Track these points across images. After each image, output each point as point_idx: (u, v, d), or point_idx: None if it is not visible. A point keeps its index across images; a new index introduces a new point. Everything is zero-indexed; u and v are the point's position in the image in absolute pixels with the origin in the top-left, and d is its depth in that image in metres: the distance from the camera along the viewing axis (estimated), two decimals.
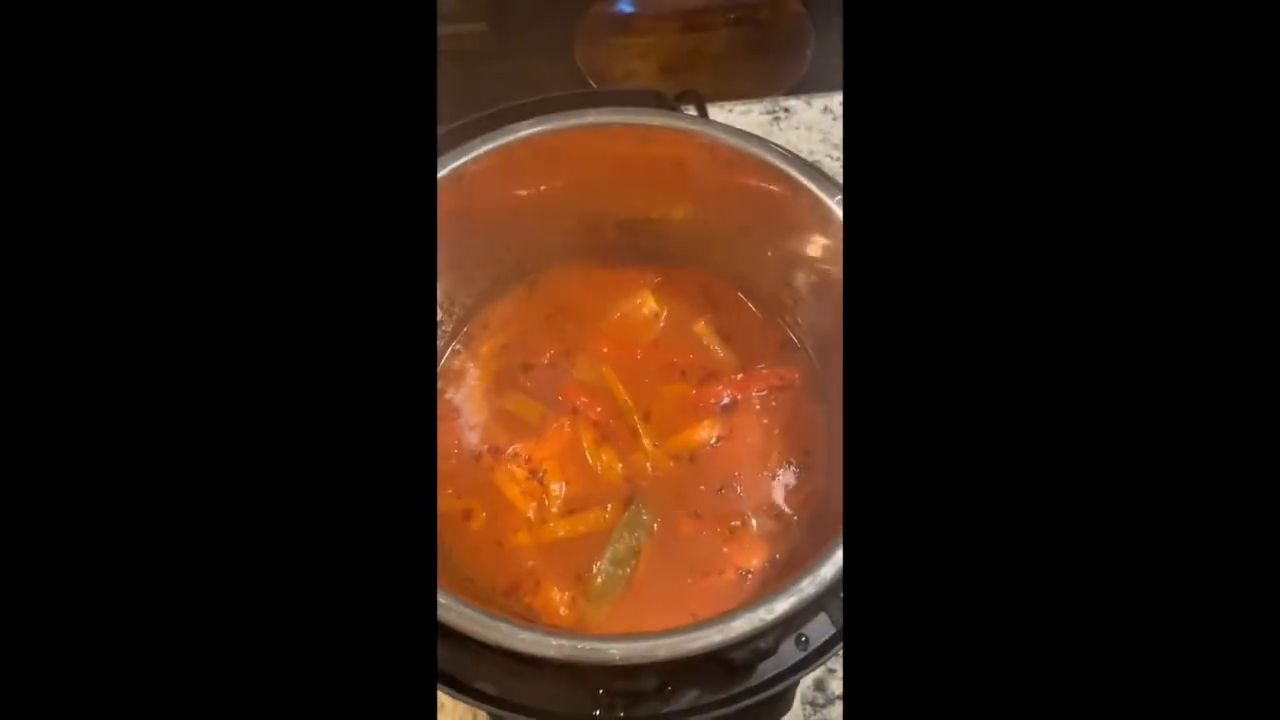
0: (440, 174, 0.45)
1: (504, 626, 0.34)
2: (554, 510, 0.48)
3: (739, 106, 0.76)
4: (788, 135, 0.74)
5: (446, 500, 0.49)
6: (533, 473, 0.49)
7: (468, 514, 0.48)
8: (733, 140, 0.46)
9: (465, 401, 0.53)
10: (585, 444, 0.50)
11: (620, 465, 0.50)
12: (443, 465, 0.50)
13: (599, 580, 0.46)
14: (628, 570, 0.46)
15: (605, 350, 0.54)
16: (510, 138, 0.46)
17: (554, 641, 0.33)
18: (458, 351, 0.55)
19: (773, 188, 0.46)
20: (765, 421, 0.51)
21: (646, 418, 0.51)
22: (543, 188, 0.50)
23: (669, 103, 0.49)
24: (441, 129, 0.47)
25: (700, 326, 0.54)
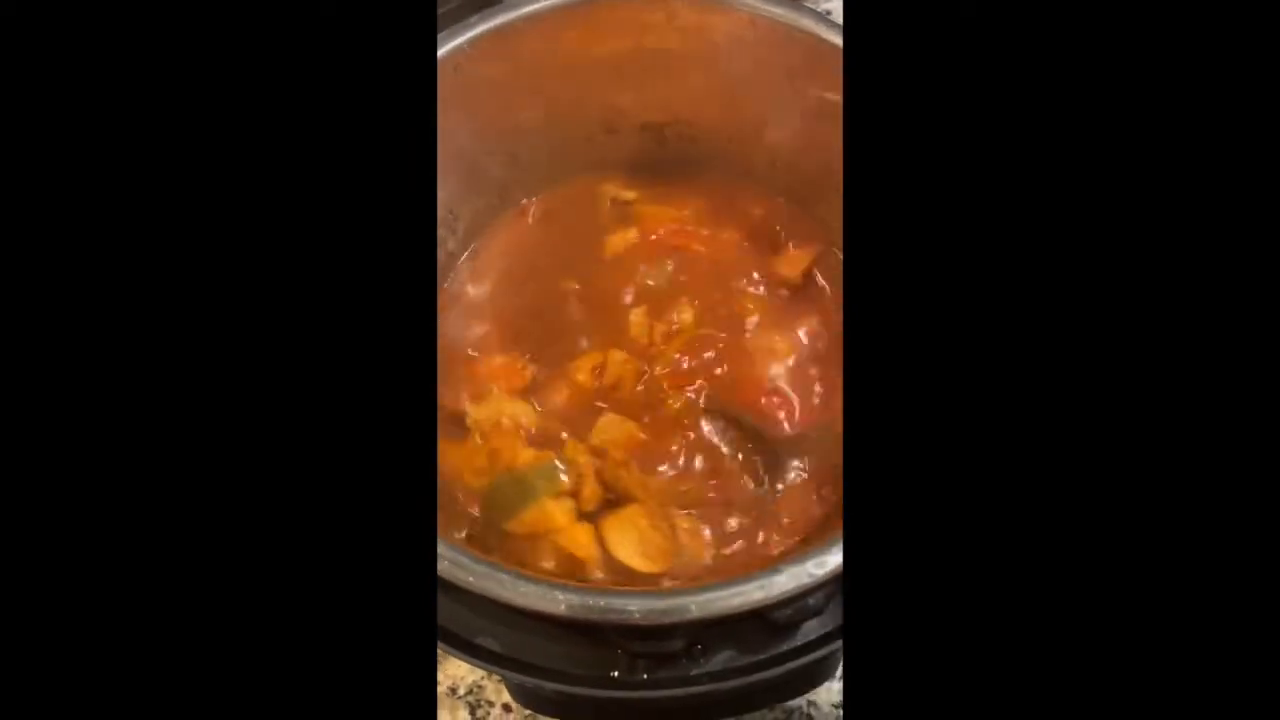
0: None
1: (505, 577, 0.29)
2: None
3: None
4: None
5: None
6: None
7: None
8: (777, 10, 0.38)
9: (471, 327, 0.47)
10: None
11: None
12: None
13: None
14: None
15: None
16: (513, 14, 0.39)
17: (561, 596, 0.29)
18: (463, 276, 0.49)
19: (826, 66, 0.39)
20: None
21: None
22: (553, 79, 0.43)
23: None
24: (440, 9, 0.41)
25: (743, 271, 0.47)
